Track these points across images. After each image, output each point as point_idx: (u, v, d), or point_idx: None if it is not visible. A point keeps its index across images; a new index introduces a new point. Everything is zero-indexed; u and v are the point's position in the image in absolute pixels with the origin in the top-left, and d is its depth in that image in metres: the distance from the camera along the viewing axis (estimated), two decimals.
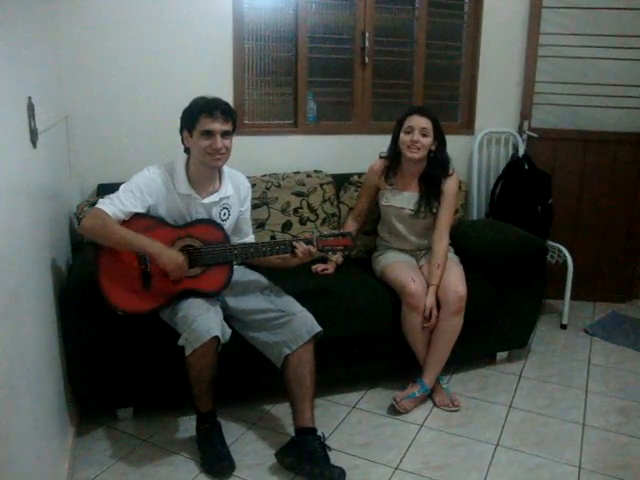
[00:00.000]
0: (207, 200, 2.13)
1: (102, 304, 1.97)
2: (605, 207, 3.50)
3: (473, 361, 2.78)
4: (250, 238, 2.34)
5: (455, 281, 2.42)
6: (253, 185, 2.54)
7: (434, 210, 2.55)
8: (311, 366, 2.05)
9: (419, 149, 2.46)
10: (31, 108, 1.72)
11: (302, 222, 2.84)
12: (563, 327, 3.25)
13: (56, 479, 1.78)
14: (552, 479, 2.02)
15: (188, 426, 2.22)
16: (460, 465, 2.08)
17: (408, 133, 2.48)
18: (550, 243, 3.22)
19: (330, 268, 2.59)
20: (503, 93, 3.43)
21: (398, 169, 2.60)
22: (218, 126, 2.01)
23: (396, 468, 2.06)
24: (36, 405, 1.60)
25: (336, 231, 2.29)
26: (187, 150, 2.13)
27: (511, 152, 3.45)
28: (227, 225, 2.19)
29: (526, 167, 3.24)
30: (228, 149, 2.07)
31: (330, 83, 3.20)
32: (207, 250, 2.06)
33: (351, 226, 2.70)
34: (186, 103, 2.08)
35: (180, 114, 2.08)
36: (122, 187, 2.05)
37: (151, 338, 2.14)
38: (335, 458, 1.99)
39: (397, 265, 2.52)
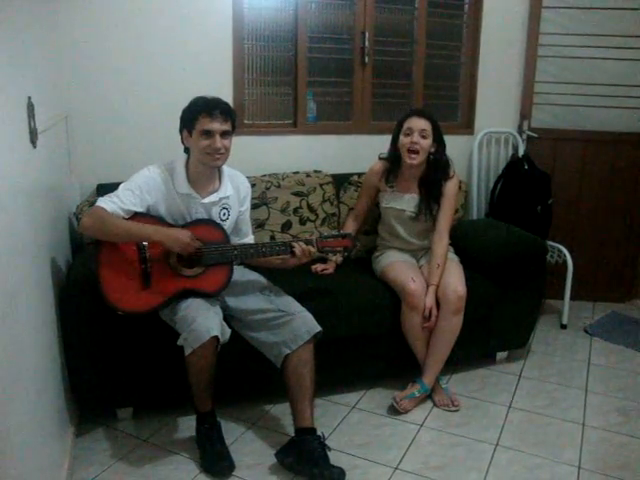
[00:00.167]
0: (207, 200, 2.13)
1: (102, 304, 1.97)
2: (605, 207, 3.50)
3: (473, 361, 2.78)
4: (250, 238, 2.34)
5: (455, 281, 2.42)
6: (253, 185, 2.54)
7: (434, 213, 2.55)
8: (311, 366, 2.05)
9: (418, 153, 2.46)
10: (31, 108, 1.72)
11: (302, 222, 2.84)
12: (563, 327, 3.25)
13: (56, 479, 1.78)
14: (552, 479, 2.02)
15: (188, 426, 2.22)
16: (460, 465, 2.08)
17: (407, 135, 2.48)
18: (550, 243, 3.22)
19: (330, 268, 2.59)
20: (503, 93, 3.43)
21: (398, 172, 2.60)
22: (217, 126, 2.01)
23: (396, 468, 2.06)
24: (36, 405, 1.60)
25: (336, 232, 2.29)
26: (187, 150, 2.13)
27: (511, 152, 3.45)
28: (227, 225, 2.19)
29: (526, 167, 3.24)
30: (227, 149, 2.07)
31: (330, 83, 3.19)
32: (207, 250, 2.06)
33: (351, 226, 2.70)
34: (186, 103, 2.08)
35: (180, 114, 2.08)
36: (122, 186, 2.06)
37: (151, 338, 2.14)
38: (335, 458, 1.99)
39: (397, 265, 2.52)
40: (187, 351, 1.92)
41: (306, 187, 2.86)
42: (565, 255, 3.20)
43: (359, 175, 2.94)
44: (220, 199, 2.16)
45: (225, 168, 2.20)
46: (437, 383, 2.49)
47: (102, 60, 2.65)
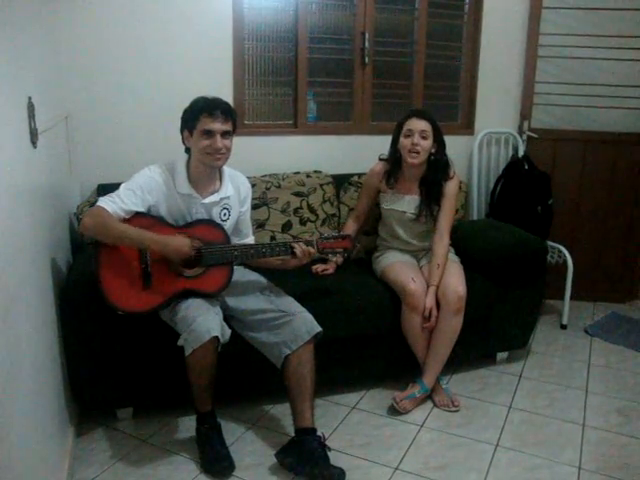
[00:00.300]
0: (207, 200, 2.13)
1: (102, 304, 1.97)
2: (605, 207, 3.50)
3: (473, 361, 2.78)
4: (250, 239, 2.34)
5: (455, 281, 2.42)
6: (253, 185, 2.54)
7: (435, 214, 2.55)
8: (311, 366, 2.04)
9: (419, 153, 2.46)
10: (31, 108, 1.72)
11: (302, 222, 2.84)
12: (563, 327, 3.25)
13: (56, 479, 1.78)
14: (552, 479, 2.02)
15: (188, 426, 2.22)
16: (460, 465, 2.08)
17: (408, 136, 2.48)
18: (550, 243, 3.22)
19: (330, 268, 2.59)
20: (503, 93, 3.43)
21: (399, 173, 2.60)
22: (218, 126, 2.01)
23: (396, 468, 2.06)
24: (36, 405, 1.60)
25: (336, 233, 2.29)
26: (188, 150, 2.13)
27: (511, 152, 3.45)
28: (227, 225, 2.19)
29: (526, 167, 3.24)
30: (228, 149, 2.07)
31: (330, 83, 3.20)
32: (207, 250, 2.06)
33: (351, 227, 2.70)
34: (186, 103, 2.08)
35: (180, 114, 2.08)
36: (123, 186, 2.05)
37: (151, 338, 2.14)
38: (335, 458, 1.99)
39: (397, 265, 2.52)
40: (187, 351, 1.92)
41: (306, 187, 2.86)
42: (565, 255, 3.20)
43: (359, 175, 2.94)
44: (221, 199, 2.16)
45: (226, 168, 2.19)
46: (437, 383, 2.49)
47: (102, 60, 2.66)
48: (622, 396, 2.57)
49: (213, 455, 2.01)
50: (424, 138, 2.46)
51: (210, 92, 2.08)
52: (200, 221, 2.12)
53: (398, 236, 2.64)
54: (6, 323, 1.35)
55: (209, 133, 2.01)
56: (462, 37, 3.41)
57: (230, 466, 2.00)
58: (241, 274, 2.25)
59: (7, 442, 1.30)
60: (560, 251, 3.24)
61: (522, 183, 3.22)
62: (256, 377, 2.33)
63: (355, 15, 3.12)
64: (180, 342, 1.95)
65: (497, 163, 3.48)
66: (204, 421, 2.06)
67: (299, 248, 2.11)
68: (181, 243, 1.99)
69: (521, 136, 3.43)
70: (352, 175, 2.99)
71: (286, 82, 3.11)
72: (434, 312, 2.38)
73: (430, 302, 2.37)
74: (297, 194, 2.84)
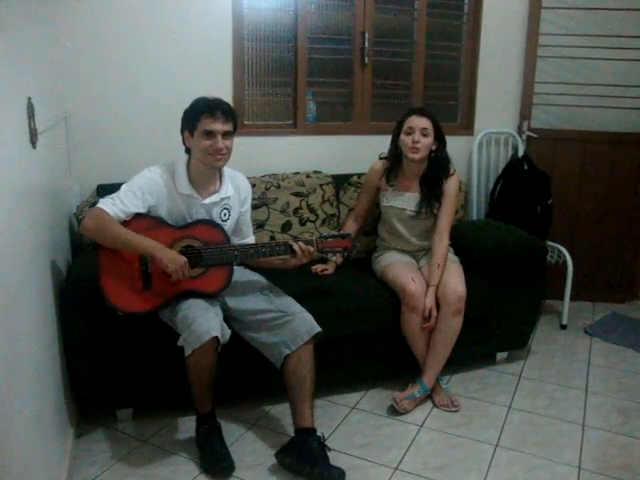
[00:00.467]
0: (207, 200, 2.13)
1: (102, 304, 1.97)
2: (604, 207, 3.50)
3: (473, 361, 2.78)
4: (250, 239, 2.34)
5: (455, 281, 2.42)
6: (253, 186, 2.54)
7: (435, 211, 2.55)
8: (311, 366, 2.04)
9: (420, 149, 2.46)
10: (31, 108, 1.72)
11: (302, 223, 2.84)
12: (563, 327, 3.25)
13: None
14: (552, 479, 2.02)
15: (188, 427, 2.22)
16: (460, 465, 2.08)
17: (409, 134, 2.48)
18: (550, 243, 3.22)
19: (330, 269, 2.59)
20: (502, 93, 3.43)
21: (399, 170, 2.60)
22: (219, 126, 2.01)
23: (396, 468, 2.06)
24: (35, 406, 1.60)
25: (336, 232, 2.29)
26: (188, 150, 2.13)
27: (511, 152, 3.45)
28: (227, 226, 2.19)
29: (525, 167, 3.24)
30: (229, 149, 2.07)
31: (330, 83, 3.20)
32: (207, 251, 2.06)
33: (351, 227, 2.70)
34: (186, 103, 2.08)
35: (180, 114, 2.08)
36: (123, 187, 2.05)
37: (151, 338, 2.14)
38: (335, 458, 1.99)
39: (397, 265, 2.52)
40: (187, 352, 1.92)
41: (306, 188, 2.86)
42: (565, 255, 3.20)
43: (359, 176, 2.94)
44: (221, 199, 2.16)
45: (226, 169, 2.19)
46: (437, 383, 2.49)
47: (102, 60, 2.66)
48: (622, 396, 2.57)
49: (213, 455, 2.01)
50: (425, 136, 2.46)
51: (210, 92, 2.08)
52: (200, 221, 2.12)
53: (398, 233, 2.63)
54: (6, 323, 1.35)
55: (210, 134, 2.01)
56: (462, 37, 3.41)
57: (230, 466, 2.00)
58: (241, 274, 2.25)
59: (7, 442, 1.30)
60: (560, 251, 3.24)
61: (522, 183, 3.22)
62: (256, 377, 2.33)
63: (355, 15, 3.12)
64: (180, 342, 1.95)
65: (497, 163, 3.48)
66: (204, 421, 2.06)
67: (299, 247, 2.11)
68: (177, 256, 1.97)
69: (521, 136, 3.43)
70: (352, 175, 2.99)
71: (286, 82, 3.11)
72: (434, 312, 2.38)
73: (430, 302, 2.37)
74: (297, 194, 2.84)
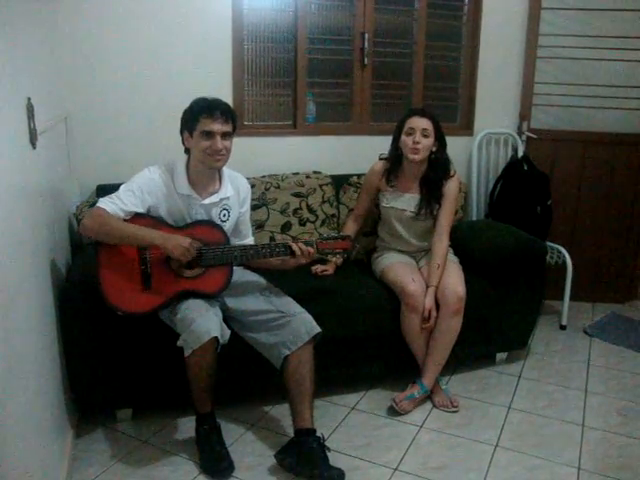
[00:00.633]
0: (207, 201, 2.13)
1: (102, 304, 1.97)
2: (604, 208, 3.50)
3: (473, 362, 2.78)
4: (250, 240, 2.34)
5: (454, 282, 2.42)
6: (252, 186, 2.54)
7: (435, 212, 2.55)
8: (310, 367, 2.04)
9: (420, 150, 2.46)
10: (30, 109, 1.72)
11: (301, 223, 2.84)
12: (562, 328, 3.25)
13: None
14: (551, 479, 2.03)
15: (187, 427, 2.22)
16: (459, 466, 2.08)
17: (409, 135, 2.48)
18: (549, 244, 3.22)
19: (329, 269, 2.59)
20: (502, 94, 3.43)
21: (399, 171, 2.60)
22: (218, 127, 2.01)
23: (395, 469, 2.06)
24: (35, 406, 1.60)
25: (335, 233, 2.29)
26: (187, 151, 2.13)
27: (510, 153, 3.45)
28: (227, 226, 2.19)
29: (525, 168, 3.25)
30: (228, 150, 2.07)
31: (329, 84, 3.20)
32: (207, 251, 2.06)
33: (351, 227, 2.70)
34: (185, 104, 2.08)
35: (179, 115, 2.08)
36: (122, 187, 2.05)
37: (150, 339, 2.14)
38: (334, 459, 1.99)
39: (396, 266, 2.52)
40: (187, 352, 1.92)
41: (306, 188, 2.86)
42: (564, 256, 3.20)
43: (359, 176, 2.94)
44: (220, 200, 2.16)
45: (225, 169, 2.19)
46: (437, 384, 2.48)
47: (102, 60, 2.66)
48: (622, 396, 2.57)
49: (213, 456, 2.01)
50: (426, 136, 2.46)
51: (209, 93, 2.08)
52: (200, 222, 2.12)
53: (398, 234, 2.63)
54: (5, 323, 1.35)
55: (209, 134, 2.01)
56: (461, 38, 3.41)
57: (230, 467, 2.00)
58: (241, 275, 2.25)
59: (6, 443, 1.30)
60: (559, 252, 3.24)
61: (521, 183, 3.22)
62: (256, 378, 2.33)
63: (355, 16, 3.12)
64: (180, 343, 1.95)
65: (496, 163, 3.48)
66: (204, 422, 2.06)
67: (298, 248, 2.11)
68: (183, 239, 1.98)
69: (520, 137, 3.43)
70: (351, 175, 2.99)
71: (285, 83, 3.11)
72: (433, 313, 2.38)
73: (429, 303, 2.37)
74: (296, 195, 2.84)
